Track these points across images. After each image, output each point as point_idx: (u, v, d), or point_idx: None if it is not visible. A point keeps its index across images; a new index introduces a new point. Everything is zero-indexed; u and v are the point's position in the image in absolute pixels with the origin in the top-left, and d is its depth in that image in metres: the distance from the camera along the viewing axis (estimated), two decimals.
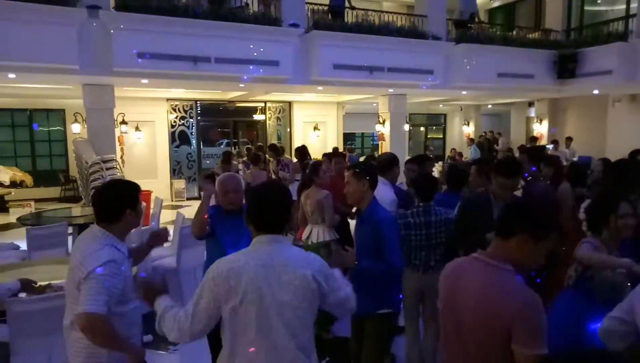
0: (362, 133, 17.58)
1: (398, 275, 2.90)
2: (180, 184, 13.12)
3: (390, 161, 4.13)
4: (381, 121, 12.29)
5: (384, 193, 3.38)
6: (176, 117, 13.38)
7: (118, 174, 8.67)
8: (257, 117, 14.47)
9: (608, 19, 12.01)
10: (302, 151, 8.12)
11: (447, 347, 1.84)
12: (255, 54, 8.57)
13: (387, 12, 11.04)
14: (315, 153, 14.07)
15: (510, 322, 1.54)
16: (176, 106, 13.31)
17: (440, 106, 17.59)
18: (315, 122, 14.96)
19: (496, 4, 16.05)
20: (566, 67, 11.38)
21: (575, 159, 11.59)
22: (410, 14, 11.31)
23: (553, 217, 1.85)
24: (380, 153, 12.50)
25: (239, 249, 1.91)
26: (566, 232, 3.22)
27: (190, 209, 9.36)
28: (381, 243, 2.69)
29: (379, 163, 4.31)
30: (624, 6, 11.44)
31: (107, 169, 8.47)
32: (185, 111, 13.44)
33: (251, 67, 8.56)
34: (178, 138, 13.50)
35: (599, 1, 12.68)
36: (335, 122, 15.56)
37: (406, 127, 13.17)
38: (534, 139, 13.54)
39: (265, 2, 9.20)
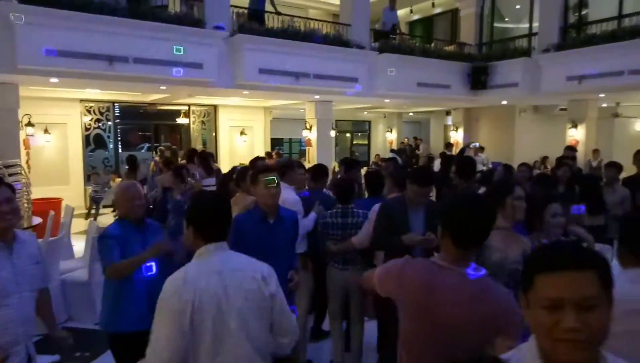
0: (290, 139, 17.62)
1: None
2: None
3: (287, 165, 4.22)
4: (308, 127, 12.39)
5: (286, 195, 3.51)
6: (91, 120, 12.56)
7: (23, 180, 7.94)
8: (181, 120, 13.99)
9: (514, 35, 13.06)
10: (205, 157, 7.70)
11: (420, 348, 1.80)
12: (177, 55, 8.28)
13: (313, 19, 11.18)
14: (244, 158, 13.92)
15: (501, 318, 1.64)
16: (91, 107, 12.50)
17: (365, 113, 18.11)
18: (242, 127, 14.76)
19: (416, 17, 16.88)
20: (478, 79, 12.21)
21: (490, 166, 12.43)
22: (335, 22, 11.54)
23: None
24: (307, 158, 12.60)
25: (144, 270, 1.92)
26: None
27: (106, 218, 8.81)
28: (295, 235, 3.08)
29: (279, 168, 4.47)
30: (527, 25, 12.50)
31: (10, 175, 7.72)
32: (102, 113, 12.66)
33: (173, 69, 8.25)
34: (93, 142, 12.67)
35: (506, 19, 13.75)
36: (263, 127, 15.46)
37: (332, 133, 13.39)
38: (450, 145, 14.36)
39: (188, 2, 8.93)
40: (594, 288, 0.99)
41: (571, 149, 7.65)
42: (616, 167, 5.62)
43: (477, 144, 13.40)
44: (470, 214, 1.69)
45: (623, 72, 9.57)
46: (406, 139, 18.68)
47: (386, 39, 11.43)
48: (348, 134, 19.51)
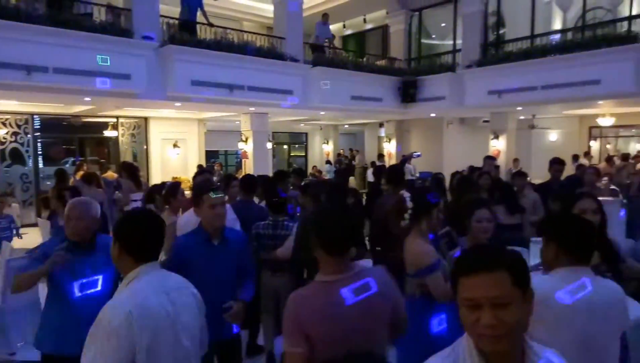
0: (226, 151, 17.35)
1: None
2: (12, 209, 11.37)
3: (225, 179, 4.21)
4: (244, 139, 12.28)
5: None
6: (7, 133, 11.64)
7: None
8: (108, 133, 13.34)
9: (440, 52, 13.79)
10: (131, 168, 7.36)
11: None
12: (102, 65, 7.92)
13: (246, 31, 11.16)
14: (177, 172, 13.50)
15: (395, 304, 1.84)
16: (6, 120, 11.59)
17: (302, 125, 18.26)
18: (175, 140, 14.33)
19: (349, 32, 17.35)
20: (408, 93, 12.75)
21: (417, 174, 12.95)
22: (269, 35, 11.59)
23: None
24: (243, 171, 12.46)
25: (86, 290, 1.79)
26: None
27: (25, 239, 8.16)
28: (245, 258, 2.90)
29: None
30: (452, 42, 13.25)
31: None
32: (19, 126, 11.77)
33: (98, 80, 7.88)
34: (9, 157, 11.74)
35: (433, 36, 14.50)
36: (197, 140, 15.10)
37: (269, 145, 13.34)
38: (382, 156, 14.83)
39: (114, 11, 8.59)
40: (505, 287, 1.11)
41: (491, 158, 8.18)
42: (523, 175, 6.13)
43: (419, 154, 13.91)
44: (335, 224, 1.77)
45: (537, 87, 10.41)
46: (342, 151, 19.05)
47: (320, 52, 11.64)
48: (286, 146, 19.56)
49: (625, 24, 9.86)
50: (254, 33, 11.02)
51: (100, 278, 2.59)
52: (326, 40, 11.99)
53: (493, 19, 12.26)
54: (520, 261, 1.16)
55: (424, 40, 14.17)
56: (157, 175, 13.07)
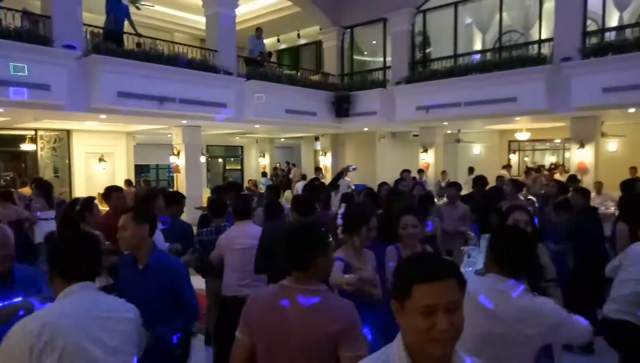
0: (157, 165, 16.75)
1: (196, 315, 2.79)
2: None
3: (148, 196, 4.05)
4: (176, 153, 11.92)
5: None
6: None
7: None
8: (26, 147, 12.42)
9: (372, 68, 14.26)
10: (44, 186, 6.83)
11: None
12: (17, 75, 7.39)
13: (177, 43, 10.92)
14: (103, 187, 12.79)
15: (340, 333, 1.74)
16: None
17: (237, 138, 18.07)
18: (101, 153, 13.63)
19: (283, 47, 17.50)
20: (342, 107, 13.04)
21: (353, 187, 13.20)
22: (202, 47, 11.41)
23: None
24: (175, 185, 12.07)
25: None
26: None
27: None
28: (179, 290, 2.56)
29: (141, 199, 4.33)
30: (382, 58, 13.75)
31: None
32: None
33: (11, 90, 7.33)
34: None
35: (365, 52, 14.97)
36: (125, 153, 14.45)
37: (203, 158, 13.07)
38: (318, 169, 14.98)
39: (31, 18, 8.07)
40: (456, 293, 1.21)
41: (407, 171, 8.74)
42: (455, 187, 6.37)
43: (355, 168, 14.18)
44: (289, 240, 1.89)
45: (460, 104, 11.03)
46: (279, 164, 19.03)
47: (254, 66, 11.63)
48: (220, 160, 19.22)
49: (536, 46, 10.74)
50: (186, 45, 10.81)
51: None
52: (260, 53, 11.99)
53: (420, 39, 12.89)
54: (459, 269, 1.26)
55: (356, 57, 14.59)
56: (81, 191, 12.30)
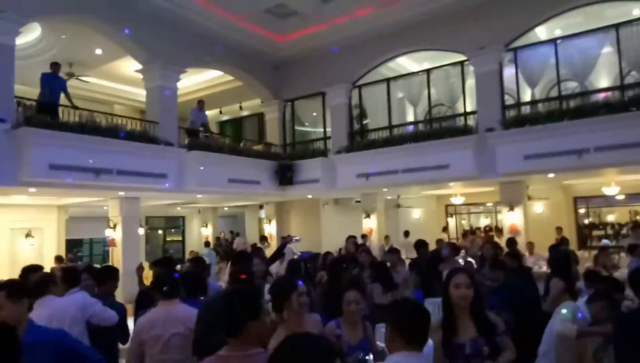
0: (91, 239, 15.85)
1: None
2: None
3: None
4: (112, 226, 11.38)
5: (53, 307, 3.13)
6: None
7: None
8: None
9: (313, 138, 14.73)
10: None
11: None
12: None
13: (116, 115, 10.84)
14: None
15: None
16: None
17: (179, 208, 17.62)
18: (28, 229, 12.74)
19: (225, 118, 17.79)
20: (285, 176, 13.21)
21: (298, 254, 13.09)
22: (141, 119, 11.36)
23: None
24: (111, 260, 11.41)
25: None
26: None
27: None
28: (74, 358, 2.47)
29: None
30: (322, 129, 14.28)
31: None
32: None
33: None
34: None
35: (306, 123, 15.50)
36: (56, 228, 13.61)
37: (141, 231, 12.54)
38: (264, 238, 14.82)
39: None
40: None
41: (352, 237, 8.91)
42: (395, 252, 6.54)
43: (298, 239, 14.25)
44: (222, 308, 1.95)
45: (398, 171, 11.54)
46: (222, 233, 18.62)
47: (196, 137, 11.67)
48: (161, 231, 18.53)
49: (463, 118, 11.64)
50: (125, 117, 10.72)
51: None
52: (202, 125, 12.11)
53: (357, 111, 13.60)
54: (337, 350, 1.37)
55: (297, 127, 15.06)
56: (4, 271, 11.29)
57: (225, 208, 19.12)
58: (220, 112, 17.22)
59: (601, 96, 10.11)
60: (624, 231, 13.91)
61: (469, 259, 8.98)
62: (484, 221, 17.51)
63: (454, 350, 2.56)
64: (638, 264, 10.39)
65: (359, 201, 14.54)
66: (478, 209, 17.76)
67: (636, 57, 9.55)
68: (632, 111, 8.86)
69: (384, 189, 13.24)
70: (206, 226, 18.48)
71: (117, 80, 14.46)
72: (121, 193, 10.72)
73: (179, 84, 11.95)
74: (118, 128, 9.77)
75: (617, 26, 9.64)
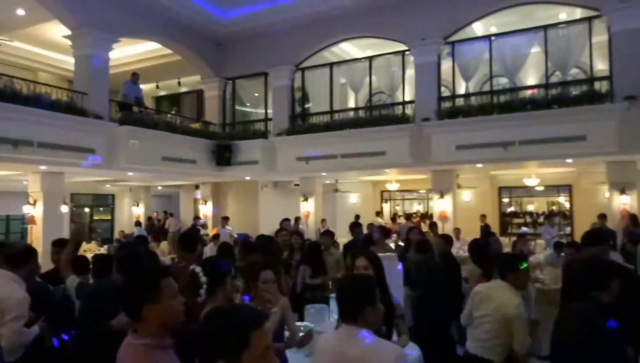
0: (8, 215, 14.70)
1: None
2: None
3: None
4: (31, 202, 10.60)
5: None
6: None
7: None
8: None
9: (253, 119, 14.50)
10: None
11: None
12: None
13: (39, 83, 10.02)
14: None
15: None
16: None
17: (108, 186, 16.76)
18: None
19: (162, 93, 17.04)
20: (223, 156, 12.92)
21: (235, 236, 12.94)
22: (68, 89, 10.61)
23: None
24: (29, 238, 10.66)
25: None
26: None
27: None
28: None
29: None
30: (264, 110, 14.09)
31: None
32: None
33: None
34: None
35: (247, 104, 15.22)
36: None
37: (65, 208, 11.79)
38: (197, 218, 14.53)
39: None
40: None
41: (286, 220, 8.95)
42: (329, 234, 6.66)
43: (203, 221, 14.35)
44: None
45: (337, 156, 11.68)
46: (156, 213, 17.97)
47: (129, 111, 11.08)
48: (87, 209, 17.55)
49: (401, 107, 11.94)
50: (49, 85, 9.95)
51: None
52: (136, 99, 11.51)
53: (299, 94, 13.54)
54: None
55: (238, 107, 14.74)
56: None
57: (159, 187, 18.45)
58: (157, 87, 16.46)
59: (528, 92, 10.78)
60: (541, 219, 15.06)
61: (401, 243, 9.34)
62: (416, 208, 18.23)
63: None
64: (552, 233, 11.43)
65: (297, 185, 14.58)
66: (412, 196, 18.44)
67: (561, 59, 10.22)
68: (554, 108, 9.52)
69: (323, 174, 13.36)
70: (138, 205, 17.74)
71: (43, 45, 13.34)
72: (42, 167, 9.99)
73: (112, 54, 11.27)
74: (41, 97, 9.07)
75: (545, 28, 10.25)
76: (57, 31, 11.74)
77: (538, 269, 7.75)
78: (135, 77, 11.61)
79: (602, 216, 10.07)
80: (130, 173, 12.17)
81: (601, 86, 9.56)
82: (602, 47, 9.98)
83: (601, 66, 10.78)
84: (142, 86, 12.32)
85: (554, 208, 15.63)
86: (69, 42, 10.78)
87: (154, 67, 14.55)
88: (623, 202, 9.88)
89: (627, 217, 9.36)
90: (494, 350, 3.26)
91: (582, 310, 2.56)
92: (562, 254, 6.87)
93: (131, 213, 17.78)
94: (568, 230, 14.35)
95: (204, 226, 14.66)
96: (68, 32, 10.63)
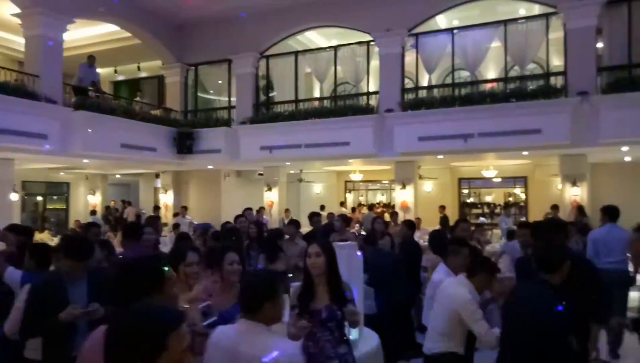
0: None
1: None
2: None
3: None
4: None
5: None
6: None
7: None
8: None
9: (216, 106, 14.22)
10: None
11: None
12: None
13: None
14: None
15: None
16: None
17: (62, 173, 16.06)
18: None
19: (121, 78, 16.44)
20: (184, 144, 12.63)
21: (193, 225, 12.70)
22: (18, 70, 10.06)
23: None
24: None
25: None
26: None
27: None
28: None
29: None
30: (227, 98, 13.83)
31: None
32: None
33: None
34: None
35: (210, 91, 14.89)
36: None
37: (14, 196, 11.21)
38: (157, 208, 14.19)
39: None
40: None
41: (249, 209, 8.93)
42: (295, 224, 6.64)
43: (142, 210, 14.12)
44: None
45: (301, 146, 11.63)
46: (113, 203, 17.40)
47: (84, 95, 10.62)
48: (40, 198, 16.78)
49: (366, 97, 11.99)
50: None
51: None
52: (92, 83, 11.03)
53: (264, 82, 13.36)
54: None
55: (200, 94, 14.41)
56: None
57: (117, 176, 17.86)
58: (116, 72, 15.87)
59: (488, 86, 11.05)
60: (498, 210, 15.58)
61: (363, 232, 9.45)
62: (380, 198, 18.46)
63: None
64: (508, 223, 11.86)
65: (261, 174, 14.44)
66: (375, 187, 18.66)
67: (519, 53, 10.51)
68: (512, 102, 9.81)
69: (287, 163, 13.29)
70: (94, 194, 17.11)
71: None
72: None
73: (67, 36, 10.76)
74: None
75: (505, 23, 10.51)
76: (6, 9, 11.07)
77: (494, 257, 8.01)
78: (91, 60, 11.12)
79: (555, 207, 10.51)
80: (86, 160, 11.72)
81: (556, 81, 9.92)
82: (558, 43, 10.34)
83: (557, 61, 11.19)
84: (99, 70, 11.84)
85: (510, 199, 16.19)
86: (18, 21, 10.20)
87: (112, 51, 13.98)
88: (574, 194, 10.34)
89: (575, 208, 9.79)
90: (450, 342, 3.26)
91: (532, 292, 2.64)
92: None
93: (87, 202, 17.14)
94: (523, 220, 14.93)
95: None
96: (17, 10, 10.06)
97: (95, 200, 16.93)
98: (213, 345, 2.10)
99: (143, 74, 15.95)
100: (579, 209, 9.60)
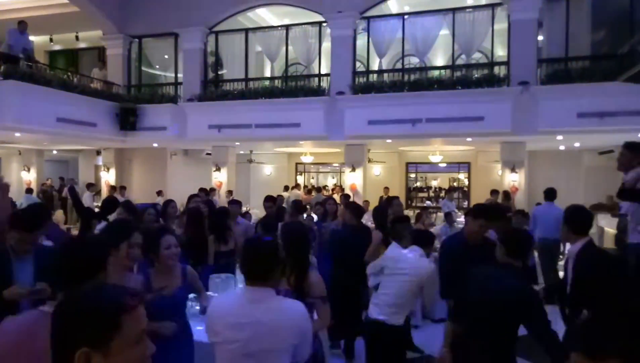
0: None
1: None
2: None
3: None
4: None
5: None
6: None
7: None
8: None
9: (162, 82, 13.65)
10: None
11: None
12: None
13: None
14: None
15: None
16: None
17: None
18: None
19: (57, 48, 15.40)
20: (127, 120, 12.07)
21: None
22: None
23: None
24: None
25: None
26: None
27: None
28: None
29: None
30: (173, 74, 13.29)
31: None
32: None
33: None
34: None
35: (156, 66, 14.24)
36: None
37: None
38: (91, 185, 13.59)
39: None
40: None
41: (202, 190, 8.75)
42: (237, 203, 6.59)
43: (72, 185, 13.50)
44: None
45: (251, 125, 11.44)
46: (49, 180, 16.46)
47: (14, 64, 9.85)
48: None
49: (317, 79, 11.91)
50: None
51: None
52: (24, 50, 10.24)
53: (212, 59, 12.94)
54: None
55: (145, 69, 13.76)
56: None
57: (54, 152, 16.87)
58: (51, 41, 14.83)
59: (436, 72, 11.29)
60: (442, 194, 16.15)
61: (312, 214, 9.48)
62: (331, 181, 18.60)
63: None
64: (451, 207, 12.33)
65: (209, 154, 14.10)
66: (326, 169, 18.77)
67: (466, 42, 10.78)
68: (458, 89, 10.09)
69: (237, 143, 13.05)
70: (28, 170, 16.08)
71: None
72: None
73: None
74: None
75: (454, 11, 10.72)
76: None
77: (437, 239, 8.32)
78: (22, 26, 10.30)
79: (495, 192, 11.00)
80: (17, 134, 10.94)
81: (500, 71, 10.29)
82: (502, 34, 10.69)
83: (501, 51, 11.58)
84: (32, 38, 10.99)
85: (454, 184, 16.81)
86: None
87: (47, 18, 13.03)
88: (513, 179, 10.89)
89: (502, 193, 10.40)
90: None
91: (501, 274, 2.75)
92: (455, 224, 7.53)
93: (21, 179, 16.09)
94: (465, 204, 15.56)
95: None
96: None
97: (30, 177, 15.92)
98: (219, 317, 2.11)
99: (82, 45, 15.02)
100: (505, 193, 10.36)
